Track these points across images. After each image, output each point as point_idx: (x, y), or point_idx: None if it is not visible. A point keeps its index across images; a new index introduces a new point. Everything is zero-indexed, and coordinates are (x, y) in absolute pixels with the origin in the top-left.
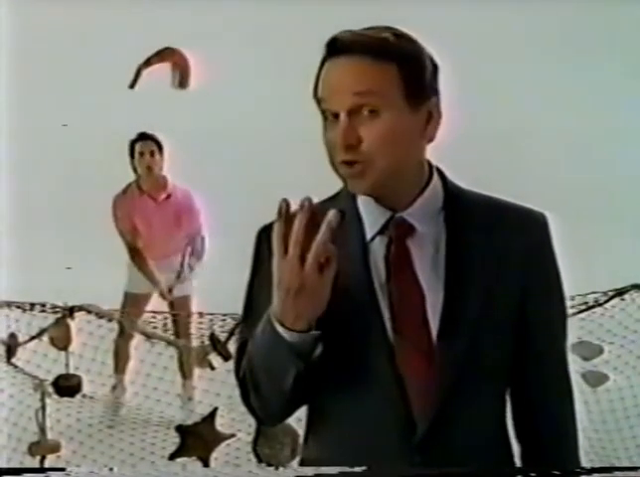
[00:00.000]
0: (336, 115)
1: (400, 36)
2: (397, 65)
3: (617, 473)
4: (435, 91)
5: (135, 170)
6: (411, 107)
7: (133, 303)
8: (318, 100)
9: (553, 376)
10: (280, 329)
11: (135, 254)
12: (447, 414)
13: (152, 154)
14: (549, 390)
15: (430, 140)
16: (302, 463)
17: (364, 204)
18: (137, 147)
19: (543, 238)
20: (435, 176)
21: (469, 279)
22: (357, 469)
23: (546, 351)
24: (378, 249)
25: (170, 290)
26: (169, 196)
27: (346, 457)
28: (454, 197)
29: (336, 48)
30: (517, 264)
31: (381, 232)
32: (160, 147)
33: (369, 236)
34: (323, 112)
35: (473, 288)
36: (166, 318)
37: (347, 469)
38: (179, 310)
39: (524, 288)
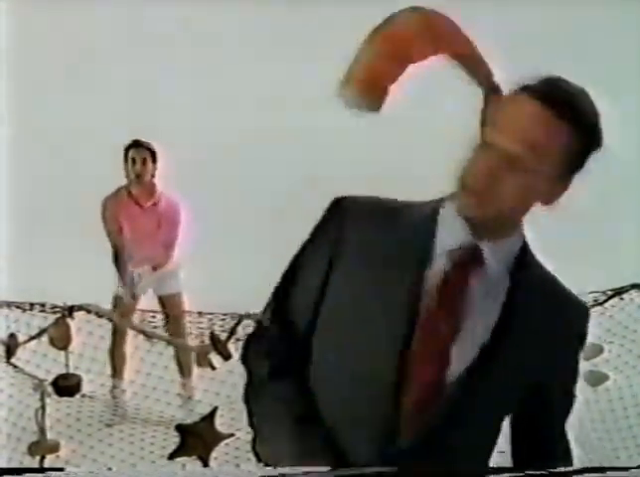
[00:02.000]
0: (490, 145)
1: (582, 97)
2: (572, 132)
3: (609, 473)
4: (581, 168)
5: (127, 175)
6: (559, 176)
7: (122, 306)
8: (485, 119)
9: (550, 441)
10: None
11: (117, 255)
12: (430, 444)
13: (144, 162)
14: (543, 451)
15: (545, 204)
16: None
17: (447, 220)
18: (130, 154)
19: (584, 330)
20: (520, 233)
21: (511, 343)
22: (354, 469)
23: (550, 418)
24: (438, 267)
25: (134, 296)
26: (155, 203)
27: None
28: (526, 260)
29: (527, 87)
30: (556, 346)
31: (451, 252)
32: (153, 155)
33: (438, 251)
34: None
35: (510, 353)
36: (162, 316)
37: (344, 469)
38: (169, 308)
39: (552, 368)
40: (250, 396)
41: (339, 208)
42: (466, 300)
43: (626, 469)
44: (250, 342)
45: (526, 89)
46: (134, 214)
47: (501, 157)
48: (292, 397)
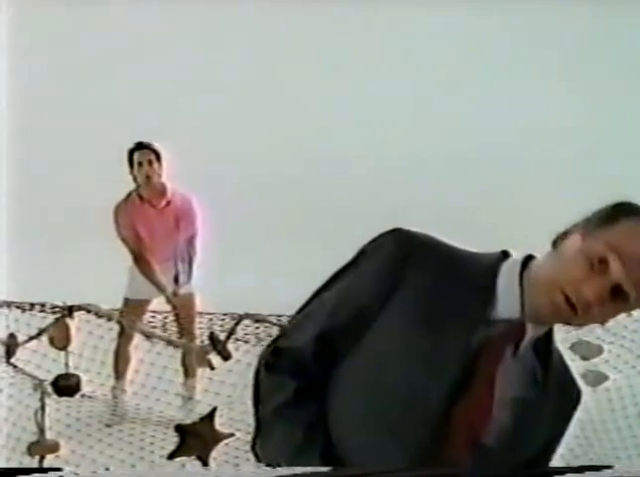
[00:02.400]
0: (602, 265)
1: None
2: None
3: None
4: None
5: (135, 179)
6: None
7: (134, 309)
8: (604, 230)
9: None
10: None
11: (140, 261)
12: None
13: (150, 163)
14: None
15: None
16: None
17: (505, 287)
18: (135, 157)
19: (576, 407)
20: None
21: (534, 424)
22: (353, 469)
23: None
24: (486, 330)
25: (175, 294)
26: (169, 202)
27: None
28: (550, 345)
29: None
30: (558, 423)
31: (501, 321)
32: (158, 155)
33: (492, 317)
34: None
35: (533, 433)
36: (166, 318)
37: (345, 469)
38: (181, 309)
39: (550, 437)
40: (265, 410)
41: (402, 243)
42: (499, 367)
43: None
44: (275, 357)
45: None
46: (149, 215)
47: (613, 288)
48: (312, 420)
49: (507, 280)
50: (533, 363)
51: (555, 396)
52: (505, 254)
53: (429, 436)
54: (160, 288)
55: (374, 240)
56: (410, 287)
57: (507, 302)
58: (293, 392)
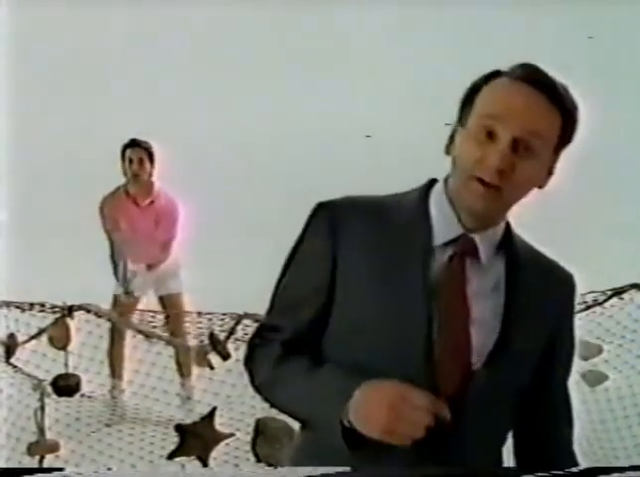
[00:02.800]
0: (491, 134)
1: (566, 86)
2: (563, 114)
3: (615, 473)
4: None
5: (125, 174)
6: (553, 157)
7: (123, 306)
8: (468, 110)
9: (556, 404)
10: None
11: (114, 254)
12: (465, 425)
13: (141, 161)
14: (551, 414)
15: (539, 187)
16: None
17: (438, 213)
18: (127, 153)
19: (572, 297)
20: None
21: (519, 319)
22: (354, 470)
23: (556, 384)
24: (438, 260)
25: (127, 293)
26: (152, 202)
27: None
28: (512, 239)
29: (518, 74)
30: (551, 316)
31: (446, 244)
32: (150, 154)
33: (435, 243)
34: (462, 121)
35: (520, 328)
36: (154, 317)
37: (346, 469)
38: (170, 308)
39: (550, 338)
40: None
41: (324, 213)
42: (467, 289)
43: (628, 469)
44: (256, 345)
45: (516, 76)
46: (132, 212)
47: (510, 144)
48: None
49: (438, 205)
50: (501, 270)
51: (538, 292)
52: (433, 182)
53: (417, 371)
54: (116, 280)
55: (305, 225)
56: (351, 248)
57: (444, 224)
58: (280, 347)
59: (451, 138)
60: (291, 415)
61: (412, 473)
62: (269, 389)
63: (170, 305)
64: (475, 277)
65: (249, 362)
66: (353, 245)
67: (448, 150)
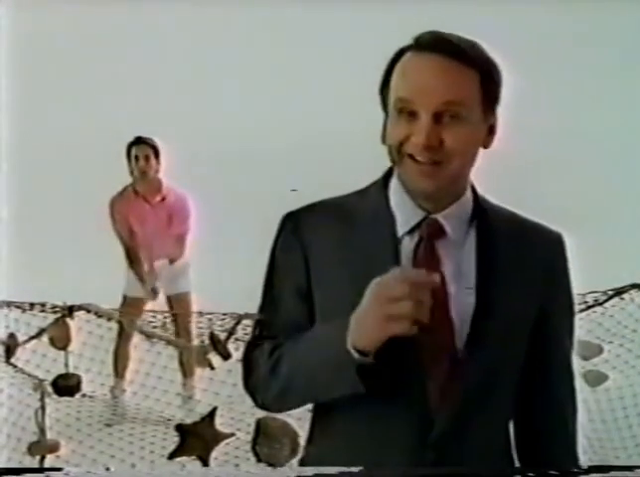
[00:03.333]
0: (412, 113)
1: (476, 44)
2: (479, 72)
3: (614, 473)
4: (499, 102)
5: (132, 173)
6: (485, 116)
7: (131, 306)
8: (386, 94)
9: (558, 383)
10: (355, 354)
11: (130, 255)
12: (465, 414)
13: (147, 159)
14: (553, 395)
15: (485, 148)
16: (305, 461)
17: (397, 201)
18: (133, 151)
19: (561, 257)
20: (469, 186)
21: (497, 289)
22: (356, 469)
23: (554, 362)
24: (407, 247)
25: (154, 291)
26: (163, 198)
27: (355, 453)
28: (484, 209)
29: (422, 45)
30: (537, 280)
31: (412, 230)
32: (156, 151)
33: (400, 232)
34: (387, 107)
35: (500, 297)
36: (166, 317)
37: (347, 469)
38: (177, 308)
39: (541, 304)
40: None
41: (287, 222)
42: (443, 270)
43: (631, 469)
44: (250, 351)
45: (420, 48)
46: (143, 211)
47: (432, 119)
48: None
49: (396, 193)
50: (471, 241)
51: (516, 257)
52: (391, 171)
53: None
54: (141, 282)
55: (274, 239)
56: (321, 253)
57: (405, 211)
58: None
59: (384, 127)
60: (294, 396)
61: (413, 473)
62: (267, 382)
63: (178, 304)
64: (449, 257)
65: (245, 364)
66: (322, 250)
67: (384, 139)
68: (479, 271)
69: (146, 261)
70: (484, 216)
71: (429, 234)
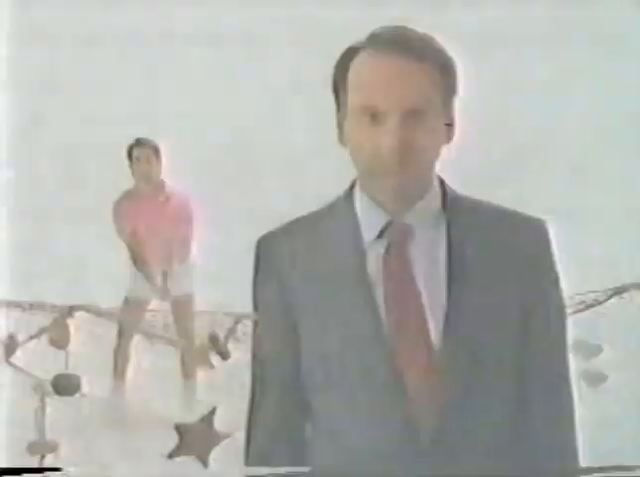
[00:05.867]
0: (375, 114)
1: (429, 37)
2: (438, 67)
3: (614, 472)
4: (457, 94)
5: (134, 174)
6: (445, 109)
7: (133, 308)
8: (342, 93)
9: (552, 378)
10: None
11: (136, 257)
12: (451, 414)
13: (148, 159)
14: (548, 391)
15: (447, 143)
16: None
17: (362, 208)
18: (134, 152)
19: (542, 245)
20: (435, 180)
21: (472, 283)
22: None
23: (545, 357)
24: (376, 253)
25: (166, 294)
26: (166, 199)
27: (344, 460)
28: (453, 202)
29: (378, 43)
30: (518, 270)
31: (379, 235)
32: (157, 152)
33: (367, 240)
34: (340, 106)
35: (476, 291)
36: (166, 317)
37: (345, 468)
38: (180, 309)
39: (524, 295)
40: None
41: (260, 247)
42: (414, 272)
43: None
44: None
45: (376, 47)
46: (147, 213)
47: (397, 120)
48: None
49: (360, 200)
50: (442, 237)
51: (489, 246)
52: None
53: (381, 372)
54: (152, 284)
55: (254, 266)
56: (295, 273)
57: (369, 217)
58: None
59: (340, 127)
60: None
61: (413, 473)
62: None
63: (181, 306)
64: (422, 255)
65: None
66: (296, 269)
67: (342, 140)
68: (450, 266)
69: (153, 262)
70: (454, 208)
71: (398, 238)
